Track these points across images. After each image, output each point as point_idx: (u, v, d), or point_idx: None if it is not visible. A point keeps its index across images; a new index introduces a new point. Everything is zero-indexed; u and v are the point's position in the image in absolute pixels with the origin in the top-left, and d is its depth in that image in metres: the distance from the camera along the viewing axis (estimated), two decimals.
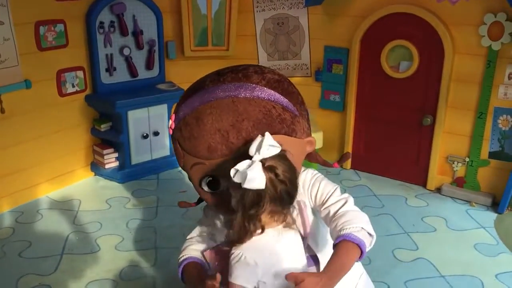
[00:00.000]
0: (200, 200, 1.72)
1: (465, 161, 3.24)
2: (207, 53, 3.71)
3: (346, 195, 1.51)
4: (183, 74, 3.69)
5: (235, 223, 1.31)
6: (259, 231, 1.32)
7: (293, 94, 1.53)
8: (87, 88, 3.34)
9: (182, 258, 1.63)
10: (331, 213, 1.45)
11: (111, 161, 3.44)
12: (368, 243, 1.40)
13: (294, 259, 1.39)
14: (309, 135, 1.56)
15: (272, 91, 1.47)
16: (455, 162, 3.28)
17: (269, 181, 1.27)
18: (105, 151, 3.40)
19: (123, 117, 3.28)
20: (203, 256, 1.59)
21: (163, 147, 3.55)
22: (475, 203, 3.18)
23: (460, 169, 3.27)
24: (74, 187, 3.36)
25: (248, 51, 3.75)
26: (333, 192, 1.49)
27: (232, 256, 1.33)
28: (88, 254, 2.60)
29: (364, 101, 3.54)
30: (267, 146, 1.29)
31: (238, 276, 1.32)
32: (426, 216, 3.04)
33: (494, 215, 3.05)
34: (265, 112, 1.42)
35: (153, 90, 3.48)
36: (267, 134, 1.32)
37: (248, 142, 1.36)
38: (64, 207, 3.10)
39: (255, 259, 1.31)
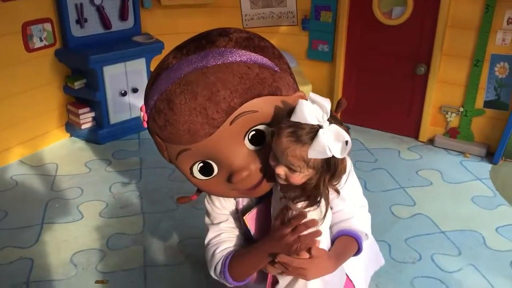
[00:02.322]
0: (200, 190, 1.52)
1: (459, 111, 3.14)
2: (185, 1, 3.43)
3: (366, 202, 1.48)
4: (160, 25, 3.43)
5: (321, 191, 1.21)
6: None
7: (267, 48, 1.35)
8: (57, 42, 3.06)
9: (219, 263, 1.41)
10: (346, 211, 1.39)
11: (87, 121, 3.22)
12: (364, 241, 1.40)
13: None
14: (297, 89, 1.39)
15: (243, 50, 1.29)
16: (449, 113, 3.17)
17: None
18: (80, 111, 3.17)
19: (98, 73, 3.04)
20: (245, 222, 1.40)
21: None
22: (469, 154, 3.11)
23: (453, 120, 3.18)
24: (48, 150, 3.15)
25: None
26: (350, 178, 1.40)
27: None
28: (71, 223, 2.44)
29: (355, 50, 3.36)
30: (326, 115, 1.14)
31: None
32: (420, 169, 2.96)
33: (489, 166, 2.99)
34: (240, 76, 1.24)
35: (129, 43, 3.22)
36: (310, 94, 1.16)
37: (230, 113, 1.21)
38: (40, 172, 2.89)
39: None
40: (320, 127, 1.12)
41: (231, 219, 1.46)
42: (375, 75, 3.33)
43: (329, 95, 3.53)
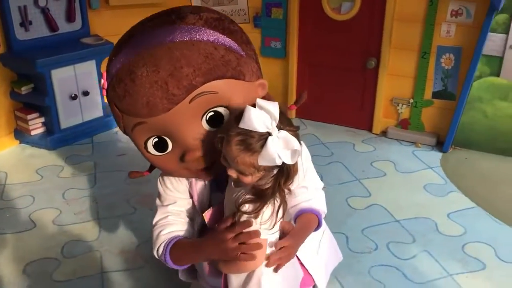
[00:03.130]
0: (152, 167, 1.53)
1: (409, 103, 3.23)
2: (134, 1, 3.37)
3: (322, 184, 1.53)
4: (109, 25, 3.35)
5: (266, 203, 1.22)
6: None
7: (236, 32, 1.36)
8: (0, 46, 2.95)
9: (162, 245, 1.42)
10: (306, 195, 1.43)
11: (37, 126, 3.12)
12: (322, 217, 1.47)
13: None
14: (260, 77, 1.40)
15: (212, 30, 1.29)
16: (400, 104, 3.26)
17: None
18: (29, 116, 3.07)
19: (45, 77, 2.94)
20: (203, 218, 1.39)
21: (95, 107, 3.26)
22: (420, 143, 3.20)
23: (404, 111, 3.26)
24: None
25: None
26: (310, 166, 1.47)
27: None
28: (23, 232, 2.35)
29: (307, 46, 3.40)
30: (273, 121, 1.15)
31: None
32: (374, 160, 3.03)
33: (439, 155, 3.08)
34: (205, 55, 1.24)
35: (77, 45, 3.14)
36: (257, 100, 1.15)
37: (191, 91, 1.21)
38: None
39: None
40: (269, 134, 1.12)
41: (180, 202, 1.47)
42: (327, 70, 3.37)
43: (284, 91, 3.56)
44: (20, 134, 3.15)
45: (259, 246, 1.20)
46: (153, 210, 1.52)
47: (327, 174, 2.80)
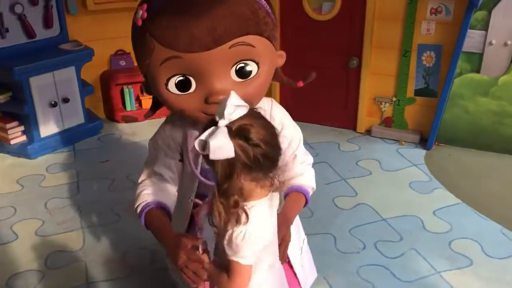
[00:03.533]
0: (155, 107, 1.51)
1: (392, 101, 3.24)
2: (113, 5, 3.33)
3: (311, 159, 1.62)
4: (88, 31, 3.31)
5: (214, 205, 1.12)
6: (246, 204, 1.14)
7: (271, 3, 1.40)
8: None
9: (141, 205, 1.47)
10: (296, 164, 1.52)
11: (17, 135, 3.06)
12: (311, 194, 1.56)
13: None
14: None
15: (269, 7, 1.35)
16: (383, 103, 3.27)
17: (239, 147, 1.06)
18: (8, 125, 3.01)
19: (24, 85, 2.89)
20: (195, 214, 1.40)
21: (76, 114, 3.20)
22: (404, 141, 3.22)
23: (387, 109, 3.28)
24: None
25: None
26: (300, 141, 1.55)
27: (235, 234, 1.14)
28: (5, 245, 2.30)
29: (288, 46, 3.37)
30: (233, 107, 1.07)
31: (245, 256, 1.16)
32: (360, 160, 3.03)
33: (423, 152, 3.10)
34: (253, 10, 1.28)
35: (56, 52, 3.08)
36: (232, 93, 1.11)
37: (235, 37, 1.24)
38: None
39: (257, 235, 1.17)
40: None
41: (167, 163, 1.50)
42: (310, 70, 3.35)
43: (267, 92, 3.53)
44: (0, 144, 3.08)
45: (201, 276, 1.22)
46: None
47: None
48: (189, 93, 1.32)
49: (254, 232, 1.14)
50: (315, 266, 1.73)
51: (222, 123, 1.06)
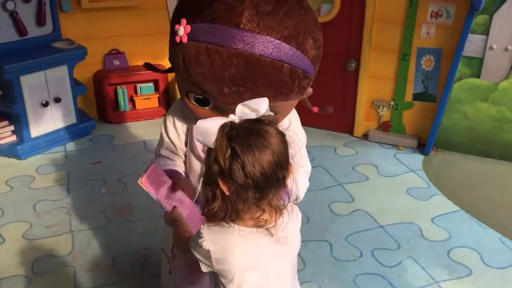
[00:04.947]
0: (170, 70, 1.46)
1: (390, 105, 3.19)
2: (108, 3, 3.26)
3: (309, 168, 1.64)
4: (81, 29, 3.24)
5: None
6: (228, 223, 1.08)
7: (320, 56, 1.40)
8: None
9: (163, 169, 1.49)
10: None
11: (6, 135, 2.98)
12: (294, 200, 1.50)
13: None
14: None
15: (311, 64, 1.33)
16: (381, 107, 3.22)
17: (220, 147, 0.99)
18: None
19: (14, 83, 2.82)
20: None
21: (68, 114, 3.13)
22: (401, 146, 3.17)
23: (385, 114, 3.23)
24: None
25: (156, 0, 3.36)
26: (303, 144, 1.58)
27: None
28: None
29: None
30: (247, 106, 1.03)
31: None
32: (356, 164, 2.98)
33: (421, 157, 3.05)
34: (289, 81, 1.28)
35: (48, 50, 3.01)
36: (264, 99, 1.08)
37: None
38: None
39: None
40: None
41: (175, 148, 1.54)
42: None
43: None
44: None
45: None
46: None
47: (308, 179, 2.73)
48: (206, 108, 1.36)
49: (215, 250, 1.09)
50: (311, 273, 1.67)
51: (231, 117, 1.03)
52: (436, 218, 2.47)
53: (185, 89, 1.37)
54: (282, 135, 1.04)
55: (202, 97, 1.34)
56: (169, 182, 1.40)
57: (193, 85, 1.32)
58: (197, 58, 1.26)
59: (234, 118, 1.02)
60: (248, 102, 1.03)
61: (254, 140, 0.98)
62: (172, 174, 1.48)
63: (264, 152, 0.98)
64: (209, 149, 1.02)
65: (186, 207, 1.39)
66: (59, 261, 2.16)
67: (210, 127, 1.00)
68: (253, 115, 1.03)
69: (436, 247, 2.27)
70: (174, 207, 1.34)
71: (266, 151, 0.99)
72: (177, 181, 1.42)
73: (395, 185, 2.77)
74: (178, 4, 1.37)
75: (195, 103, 1.37)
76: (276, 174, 1.01)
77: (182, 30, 1.26)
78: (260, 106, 1.03)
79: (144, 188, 1.30)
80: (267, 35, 1.23)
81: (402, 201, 2.62)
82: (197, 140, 1.03)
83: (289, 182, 1.07)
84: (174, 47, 1.31)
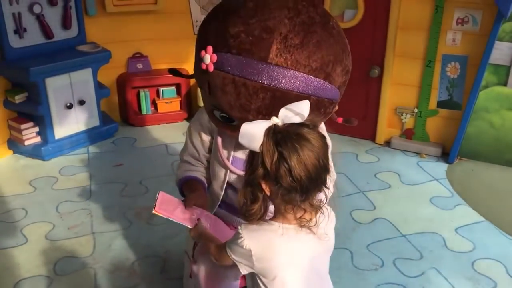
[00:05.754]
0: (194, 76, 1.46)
1: (413, 112, 3.14)
2: (132, 7, 3.29)
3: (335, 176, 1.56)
4: (106, 32, 3.28)
5: (240, 192, 1.11)
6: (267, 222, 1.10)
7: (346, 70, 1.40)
8: None
9: (179, 175, 1.60)
10: None
11: (31, 136, 3.03)
12: None
13: None
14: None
15: (337, 91, 1.35)
16: (404, 114, 3.18)
17: (268, 152, 1.01)
18: (23, 126, 2.98)
19: (40, 86, 2.86)
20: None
21: (91, 116, 3.17)
22: (425, 154, 3.12)
23: (408, 121, 3.18)
24: None
25: (178, 4, 3.38)
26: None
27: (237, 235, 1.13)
28: (14, 248, 2.26)
29: None
30: (291, 110, 1.05)
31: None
32: (378, 172, 2.94)
33: (445, 166, 3.00)
34: (316, 112, 1.30)
35: (73, 53, 3.05)
36: (306, 101, 1.09)
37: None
38: None
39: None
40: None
41: (198, 154, 1.60)
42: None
43: None
44: (14, 144, 3.06)
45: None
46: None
47: None
48: (231, 124, 1.36)
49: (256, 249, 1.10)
50: (332, 282, 1.65)
51: (275, 120, 1.04)
52: (460, 228, 2.42)
53: (210, 107, 1.38)
54: (323, 137, 1.06)
55: (227, 116, 1.35)
56: (180, 203, 1.43)
57: (218, 108, 1.34)
58: (223, 88, 1.25)
59: (277, 121, 1.04)
60: (291, 106, 1.04)
61: (300, 145, 1.01)
62: (191, 182, 1.50)
63: (310, 157, 1.01)
64: (253, 153, 1.04)
65: (206, 219, 1.41)
66: (80, 262, 2.17)
67: (256, 131, 1.01)
68: (296, 118, 1.05)
69: (460, 258, 2.22)
70: (198, 220, 1.35)
71: (312, 155, 1.02)
72: (187, 198, 1.45)
73: (418, 193, 2.72)
74: (203, 28, 1.35)
75: (220, 119, 1.38)
76: (320, 177, 1.05)
77: (208, 58, 1.25)
78: (303, 110, 1.05)
79: (161, 215, 1.36)
80: (295, 70, 1.22)
81: (425, 210, 2.57)
82: (241, 143, 1.04)
83: (329, 182, 1.09)
84: (201, 73, 1.31)
